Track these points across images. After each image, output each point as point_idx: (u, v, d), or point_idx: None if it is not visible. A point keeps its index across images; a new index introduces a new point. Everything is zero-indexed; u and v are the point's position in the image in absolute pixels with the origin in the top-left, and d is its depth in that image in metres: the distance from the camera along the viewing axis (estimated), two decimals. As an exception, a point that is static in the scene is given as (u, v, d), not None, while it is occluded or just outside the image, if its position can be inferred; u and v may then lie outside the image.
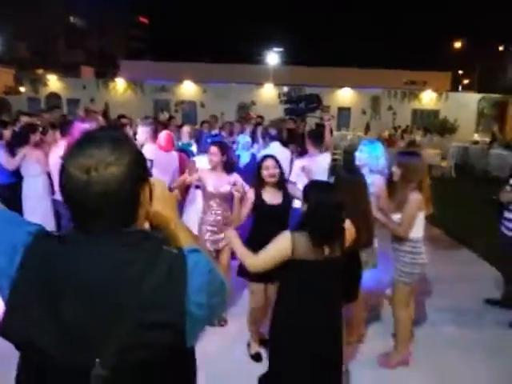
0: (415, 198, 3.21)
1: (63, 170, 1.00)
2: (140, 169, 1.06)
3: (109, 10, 53.30)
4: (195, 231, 4.65)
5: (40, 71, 32.96)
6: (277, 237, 2.40)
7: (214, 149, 3.95)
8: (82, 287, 0.95)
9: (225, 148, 4.04)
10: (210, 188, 3.87)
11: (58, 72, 29.73)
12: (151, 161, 4.09)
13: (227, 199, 3.90)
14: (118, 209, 1.00)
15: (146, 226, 1.18)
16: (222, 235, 3.87)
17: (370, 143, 3.96)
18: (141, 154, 1.10)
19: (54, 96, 26.66)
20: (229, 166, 4.00)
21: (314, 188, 2.47)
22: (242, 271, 3.15)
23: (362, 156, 3.90)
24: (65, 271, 0.96)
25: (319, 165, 4.78)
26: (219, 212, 3.89)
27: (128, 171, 1.00)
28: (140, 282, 0.95)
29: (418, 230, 3.33)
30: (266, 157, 3.52)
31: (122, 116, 8.23)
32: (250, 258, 2.45)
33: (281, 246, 2.34)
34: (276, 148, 5.78)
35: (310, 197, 2.40)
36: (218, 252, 3.98)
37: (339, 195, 2.42)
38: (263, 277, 3.00)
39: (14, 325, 0.95)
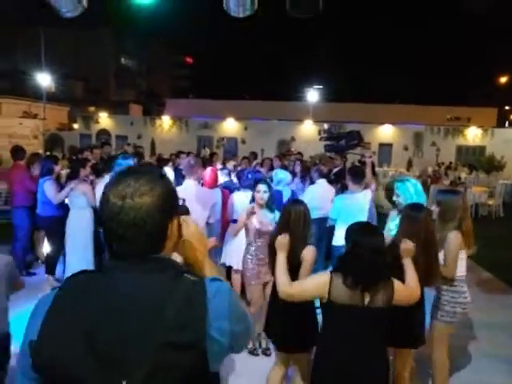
0: (454, 236, 3.14)
1: (104, 196, 1.10)
2: (171, 203, 1.15)
3: (156, 50, 56.35)
4: (235, 262, 4.76)
5: (92, 109, 35.00)
6: (318, 273, 2.39)
7: (263, 187, 4.05)
8: (112, 312, 1.02)
9: (270, 186, 4.17)
10: (257, 225, 3.96)
11: (109, 109, 31.42)
12: (183, 200, 4.16)
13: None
14: (145, 237, 1.08)
15: (178, 259, 1.27)
16: (266, 269, 3.91)
17: (402, 184, 3.84)
18: (173, 190, 1.18)
19: (104, 132, 28.11)
20: (271, 203, 4.12)
21: (354, 229, 2.43)
22: None
23: (397, 199, 3.81)
24: (97, 298, 1.04)
25: (359, 202, 4.75)
26: (263, 248, 3.94)
27: (159, 202, 1.08)
28: (162, 305, 1.01)
29: (459, 269, 3.24)
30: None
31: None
32: (286, 284, 2.44)
33: (318, 283, 2.32)
34: (322, 185, 5.81)
35: (349, 238, 2.38)
36: (264, 285, 4.06)
37: (380, 238, 2.35)
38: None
39: (46, 353, 1.00)
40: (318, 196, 5.50)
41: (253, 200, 4.14)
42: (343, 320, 2.27)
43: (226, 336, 1.06)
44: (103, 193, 1.12)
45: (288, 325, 2.96)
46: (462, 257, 3.27)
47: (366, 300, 2.21)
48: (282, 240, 2.71)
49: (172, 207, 1.15)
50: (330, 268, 2.44)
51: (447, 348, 3.36)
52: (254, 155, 9.76)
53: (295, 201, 3.35)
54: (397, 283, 2.31)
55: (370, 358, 2.30)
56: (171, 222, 1.15)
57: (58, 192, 5.37)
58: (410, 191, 3.67)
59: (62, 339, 1.01)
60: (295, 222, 3.02)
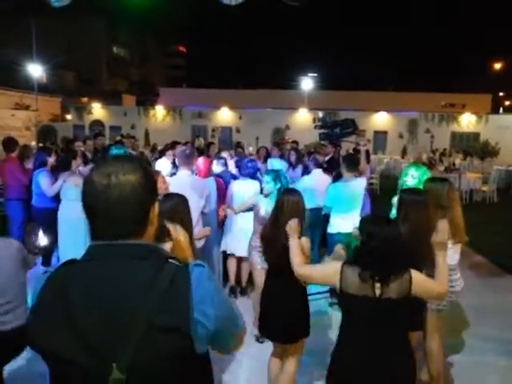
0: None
1: (87, 179, 1.13)
2: (153, 184, 1.20)
3: (149, 39, 55.78)
4: (233, 248, 4.81)
5: (85, 99, 34.70)
6: (331, 263, 2.42)
7: (266, 177, 4.12)
8: (95, 298, 1.05)
9: (278, 176, 4.21)
10: (263, 213, 4.00)
11: (102, 100, 31.16)
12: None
13: None
14: (130, 215, 1.11)
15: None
16: None
17: (418, 168, 3.88)
18: (152, 176, 1.21)
19: (97, 123, 27.91)
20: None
21: (368, 220, 2.42)
22: None
23: (412, 182, 3.83)
24: (80, 285, 1.07)
25: (353, 190, 4.77)
26: None
27: (142, 181, 1.13)
28: (147, 289, 1.05)
29: (450, 258, 3.24)
30: None
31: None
32: (298, 264, 2.52)
33: (327, 272, 2.35)
34: (318, 174, 5.83)
35: (363, 229, 2.34)
36: None
37: (395, 228, 2.30)
38: None
39: (38, 338, 1.08)
40: (314, 185, 5.51)
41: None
42: (355, 310, 2.25)
43: (210, 320, 1.09)
44: (87, 176, 1.15)
45: (282, 317, 3.00)
46: (450, 246, 3.24)
47: (377, 291, 2.16)
48: (293, 224, 2.75)
49: (154, 188, 1.20)
50: (326, 256, 2.47)
51: (441, 335, 3.41)
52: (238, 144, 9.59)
53: (290, 190, 3.34)
54: (416, 275, 2.21)
55: (387, 350, 2.22)
56: (153, 205, 1.18)
57: (52, 184, 5.36)
58: (426, 177, 3.69)
59: (48, 325, 1.06)
60: (288, 212, 3.01)
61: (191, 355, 1.07)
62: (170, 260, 1.13)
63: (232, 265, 5.08)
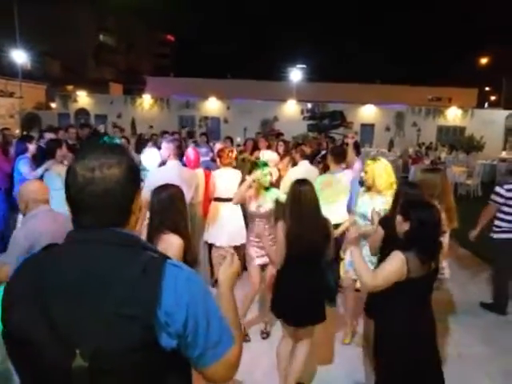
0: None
1: (70, 170, 1.13)
2: (136, 175, 1.21)
3: (136, 27, 54.95)
4: (217, 240, 4.80)
5: (70, 87, 34.12)
6: (390, 257, 2.43)
7: (266, 170, 4.06)
8: (68, 282, 1.05)
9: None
10: (252, 208, 3.99)
11: (88, 88, 30.67)
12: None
13: (269, 216, 4.04)
14: (114, 207, 1.12)
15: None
16: (261, 251, 4.00)
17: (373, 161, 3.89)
18: (137, 165, 1.23)
19: (82, 112, 27.49)
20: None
21: (415, 207, 2.50)
22: None
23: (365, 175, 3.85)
24: (54, 269, 1.09)
25: (340, 182, 4.78)
26: (260, 231, 4.00)
27: (127, 174, 1.14)
28: (118, 276, 1.04)
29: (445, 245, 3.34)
30: None
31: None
32: (369, 275, 2.47)
33: (398, 267, 2.36)
34: (305, 166, 5.81)
35: (412, 216, 2.43)
36: (264, 266, 4.11)
37: (435, 210, 2.50)
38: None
39: (11, 322, 1.07)
40: (300, 177, 5.49)
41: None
42: (421, 290, 2.49)
43: (175, 324, 1.05)
44: (69, 167, 1.15)
45: (301, 298, 3.02)
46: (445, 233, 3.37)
47: (432, 266, 2.45)
48: (353, 234, 2.68)
49: (137, 179, 1.22)
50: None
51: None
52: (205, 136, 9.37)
53: (301, 180, 3.18)
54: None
55: (429, 316, 2.55)
56: (137, 195, 1.20)
57: (33, 170, 5.26)
58: (380, 170, 3.73)
59: (19, 304, 1.07)
60: (308, 202, 3.02)
61: (157, 349, 1.03)
62: (147, 251, 1.12)
63: (216, 255, 5.07)
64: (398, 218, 2.52)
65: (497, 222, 4.86)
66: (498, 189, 4.87)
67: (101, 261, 1.07)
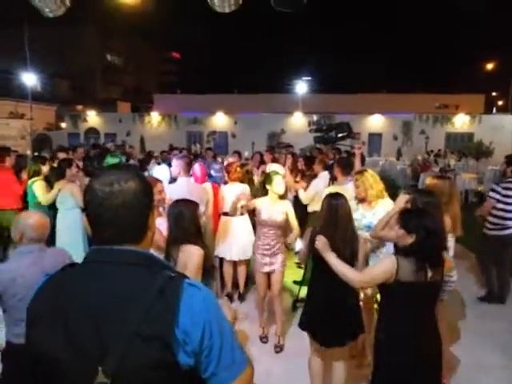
0: (445, 221, 3.21)
1: (88, 188, 1.17)
2: (150, 190, 1.24)
3: (142, 46, 55.83)
4: (228, 254, 4.84)
5: (79, 107, 34.64)
6: (382, 259, 2.52)
7: (279, 179, 4.14)
8: (88, 302, 1.08)
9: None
10: (263, 216, 4.05)
11: (96, 107, 31.13)
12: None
13: (280, 226, 4.10)
14: (131, 221, 1.16)
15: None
16: (273, 259, 4.07)
17: (361, 175, 3.98)
18: (149, 183, 1.26)
19: (92, 131, 27.86)
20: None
21: (418, 217, 2.48)
22: None
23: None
24: (74, 288, 1.12)
25: (348, 193, 4.78)
26: (267, 239, 4.07)
27: (143, 187, 1.18)
28: (137, 297, 1.07)
29: (450, 250, 3.36)
30: None
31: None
32: (354, 273, 2.54)
33: (387, 268, 2.39)
34: (326, 178, 5.61)
35: (417, 226, 2.41)
36: (270, 274, 4.14)
37: (437, 220, 2.49)
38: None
39: (34, 342, 1.11)
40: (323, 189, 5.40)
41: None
42: (409, 296, 2.41)
43: (192, 342, 1.07)
44: (88, 185, 1.18)
45: (342, 319, 2.98)
46: (450, 239, 3.40)
47: (429, 275, 2.38)
48: (321, 241, 2.76)
49: (152, 193, 1.25)
50: None
51: (446, 325, 3.47)
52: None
53: (335, 194, 3.16)
54: (445, 256, 2.56)
55: (431, 331, 2.48)
56: (152, 211, 1.24)
57: (47, 193, 5.34)
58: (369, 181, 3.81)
59: (41, 324, 1.10)
60: (343, 217, 3.02)
61: (175, 367, 1.06)
62: (165, 270, 1.15)
63: (227, 270, 5.09)
64: (400, 231, 2.47)
65: (489, 219, 5.15)
66: (495, 186, 5.23)
67: (119, 281, 1.10)
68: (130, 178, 1.16)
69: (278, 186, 4.10)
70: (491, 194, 5.17)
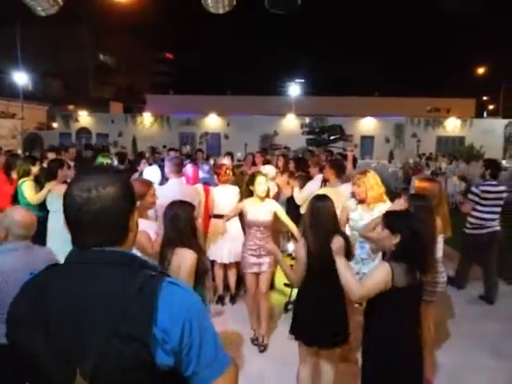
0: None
1: (67, 193, 1.16)
2: (132, 194, 1.23)
3: (135, 46, 55.62)
4: (218, 256, 4.86)
5: (71, 107, 34.42)
6: (376, 267, 2.47)
7: (262, 179, 4.16)
8: (68, 301, 1.08)
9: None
10: (249, 216, 4.06)
11: (88, 107, 30.95)
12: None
13: (267, 226, 4.12)
14: (111, 225, 1.15)
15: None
16: (261, 260, 4.08)
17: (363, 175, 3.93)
18: (131, 186, 1.25)
19: (84, 131, 27.69)
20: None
21: (403, 218, 2.49)
22: None
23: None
24: (55, 287, 1.11)
25: (340, 195, 4.78)
26: (256, 239, 4.08)
27: (122, 192, 1.17)
28: (115, 296, 1.05)
29: (437, 251, 3.37)
30: None
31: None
32: (356, 285, 2.44)
33: (383, 277, 2.36)
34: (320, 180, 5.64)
35: (401, 226, 2.41)
36: (259, 275, 4.14)
37: (429, 224, 2.53)
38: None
39: (16, 343, 1.11)
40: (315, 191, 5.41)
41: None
42: (405, 299, 2.42)
43: (171, 341, 1.05)
44: (67, 190, 1.17)
45: (332, 320, 2.95)
46: (440, 240, 3.43)
47: (418, 276, 2.41)
48: (338, 243, 2.72)
49: (133, 198, 1.23)
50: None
51: (433, 326, 3.48)
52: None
53: (320, 196, 3.12)
54: None
55: (415, 331, 2.51)
56: (133, 213, 1.22)
57: (36, 193, 5.28)
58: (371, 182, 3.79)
59: (22, 328, 1.10)
60: (325, 219, 2.95)
61: (154, 368, 1.04)
62: (145, 269, 1.13)
63: (218, 272, 5.07)
64: (385, 232, 2.45)
65: (469, 219, 5.32)
66: (474, 189, 5.35)
67: (98, 281, 1.09)
68: (110, 183, 1.15)
69: (259, 186, 4.10)
70: (470, 196, 5.34)
